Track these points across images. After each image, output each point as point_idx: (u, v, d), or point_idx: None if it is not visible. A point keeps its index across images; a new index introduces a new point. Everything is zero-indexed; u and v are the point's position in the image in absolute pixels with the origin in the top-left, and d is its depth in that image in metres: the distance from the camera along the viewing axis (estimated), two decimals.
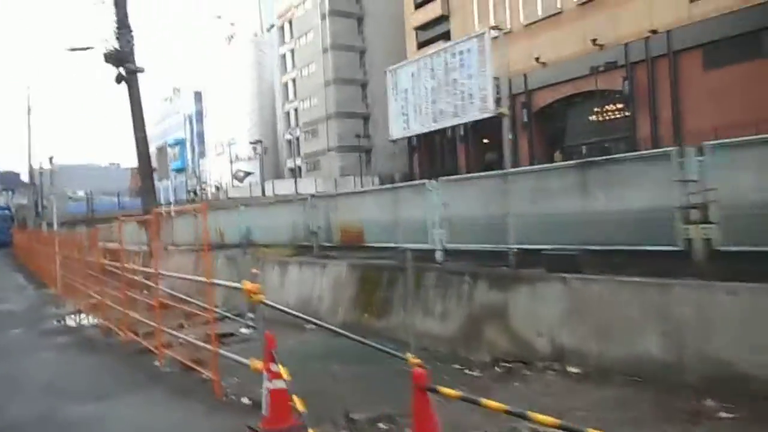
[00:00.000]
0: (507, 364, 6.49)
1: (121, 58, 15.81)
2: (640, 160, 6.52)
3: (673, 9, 27.29)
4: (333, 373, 7.16)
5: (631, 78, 29.76)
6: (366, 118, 60.11)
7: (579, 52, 31.50)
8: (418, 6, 45.88)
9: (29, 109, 39.24)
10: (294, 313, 7.55)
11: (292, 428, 5.20)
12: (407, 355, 7.13)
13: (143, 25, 35.54)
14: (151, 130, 28.30)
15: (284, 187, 52.04)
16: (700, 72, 27.02)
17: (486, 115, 7.64)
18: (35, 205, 43.27)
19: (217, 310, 7.09)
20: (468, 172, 27.27)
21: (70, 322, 13.07)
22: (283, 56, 70.95)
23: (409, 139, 45.88)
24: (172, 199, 24.18)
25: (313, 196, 11.91)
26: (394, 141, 9.79)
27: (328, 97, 59.84)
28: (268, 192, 49.94)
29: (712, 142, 5.62)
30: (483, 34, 7.30)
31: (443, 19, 43.25)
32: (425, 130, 8.71)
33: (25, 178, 55.21)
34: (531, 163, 30.93)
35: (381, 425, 5.18)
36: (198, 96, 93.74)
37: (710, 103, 25.64)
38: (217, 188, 71.88)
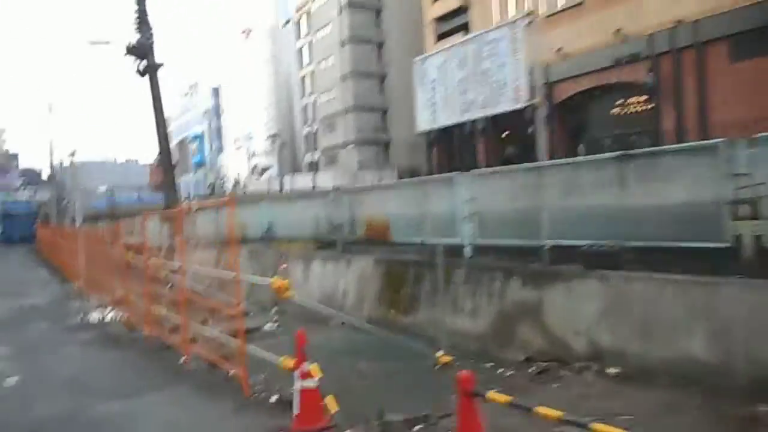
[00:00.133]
0: (542, 364, 6.29)
1: (142, 52, 15.78)
2: (684, 153, 6.25)
3: None
4: (361, 370, 7.01)
5: (656, 70, 29.14)
6: (384, 112, 59.81)
7: (601, 44, 30.85)
8: None
9: (50, 107, 39.53)
10: (326, 309, 7.45)
11: (325, 429, 5.06)
12: (437, 352, 7.02)
13: (160, 21, 35.63)
14: (170, 126, 28.36)
15: (302, 181, 51.99)
16: (727, 64, 26.36)
17: (519, 106, 7.42)
18: (57, 201, 43.73)
19: (237, 305, 6.96)
20: (487, 167, 26.92)
21: (94, 317, 13.08)
22: (300, 50, 70.79)
23: (428, 133, 45.50)
24: (193, 193, 24.15)
25: (336, 190, 11.74)
26: (421, 134, 9.55)
27: (346, 91, 59.59)
28: (286, 186, 49.96)
29: (765, 134, 5.34)
30: (516, 21, 7.03)
31: (462, 10, 42.63)
32: (454, 121, 8.48)
33: (46, 175, 55.83)
34: (551, 157, 30.49)
35: (418, 428, 5.00)
36: (215, 91, 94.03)
37: (737, 96, 24.98)
38: (236, 183, 72.17)
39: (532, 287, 6.75)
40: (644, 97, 30.54)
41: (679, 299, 5.46)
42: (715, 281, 5.31)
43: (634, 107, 31.29)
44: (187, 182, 30.84)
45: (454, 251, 8.16)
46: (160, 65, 15.82)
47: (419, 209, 9.08)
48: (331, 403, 4.51)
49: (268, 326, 10.05)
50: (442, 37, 43.64)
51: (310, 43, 67.42)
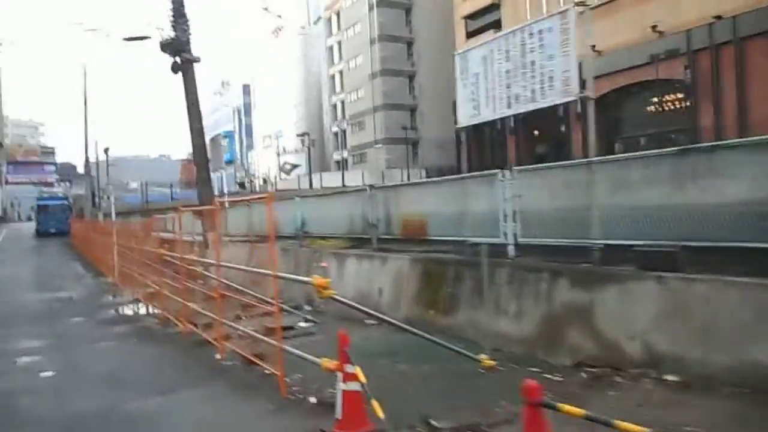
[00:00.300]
0: (592, 370, 5.98)
1: (178, 48, 15.78)
2: (751, 147, 5.86)
3: None
4: (401, 372, 6.79)
5: (693, 66, 28.34)
6: (413, 110, 59.55)
7: (637, 40, 30.18)
8: None
9: (85, 101, 40.18)
10: (365, 309, 7.24)
11: None
12: (480, 355, 6.75)
13: (191, 21, 35.88)
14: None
15: (331, 179, 52.00)
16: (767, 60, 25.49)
17: (569, 99, 7.09)
18: (92, 196, 44.50)
19: (275, 302, 6.80)
20: (519, 165, 26.48)
21: (128, 311, 13.13)
22: (331, 48, 70.94)
23: (457, 131, 45.15)
24: (225, 190, 24.30)
25: (372, 187, 11.54)
26: (462, 129, 9.28)
27: (375, 89, 59.48)
28: (315, 184, 50.04)
29: None
30: (567, 10, 6.73)
31: (494, 7, 42.23)
32: (498, 116, 8.18)
33: (81, 169, 56.90)
34: (585, 156, 29.87)
35: None
36: (246, 89, 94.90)
37: None
38: (264, 181, 72.68)
39: (581, 289, 6.43)
40: (681, 95, 29.77)
41: (747, 303, 5.11)
42: None
43: (670, 105, 30.50)
44: (220, 178, 31.03)
45: (496, 250, 7.87)
46: (197, 59, 15.80)
47: (459, 207, 8.81)
48: (377, 409, 4.28)
49: (302, 324, 9.90)
50: (472, 34, 43.23)
51: (340, 42, 67.48)
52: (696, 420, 4.59)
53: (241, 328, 8.13)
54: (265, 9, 79.60)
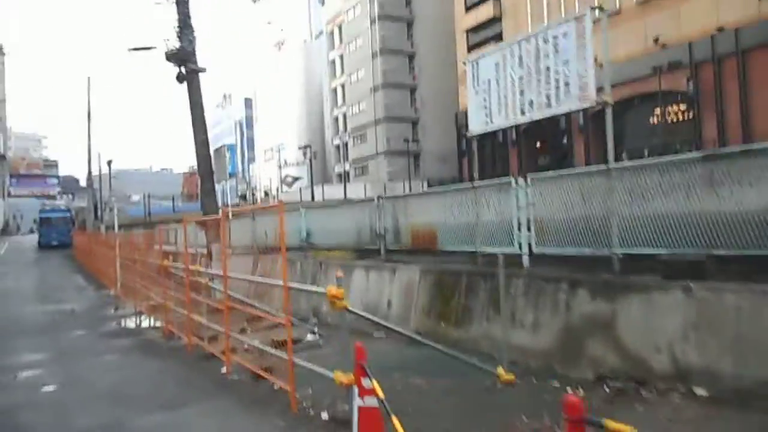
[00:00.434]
0: (616, 384, 5.74)
1: (183, 58, 15.70)
2: None
3: (742, 6, 25.92)
4: (417, 386, 6.54)
5: (696, 78, 28.35)
6: (414, 123, 59.55)
7: (639, 52, 30.22)
8: (468, 8, 45.11)
9: (89, 113, 40.03)
10: (381, 321, 7.03)
11: None
12: (498, 369, 6.52)
13: (196, 31, 35.94)
14: None
15: (333, 191, 51.86)
16: None
17: (586, 105, 6.91)
18: (94, 208, 44.32)
19: (286, 314, 6.59)
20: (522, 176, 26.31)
21: (131, 323, 12.91)
22: (333, 62, 71.14)
23: (459, 143, 45.11)
24: (228, 201, 24.13)
25: (380, 197, 11.34)
26: (473, 137, 9.08)
27: (377, 102, 59.52)
28: (317, 197, 49.88)
29: None
30: (583, 15, 6.59)
31: (495, 20, 42.34)
32: (511, 123, 8.00)
33: (83, 182, 56.84)
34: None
35: None
36: (248, 102, 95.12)
37: None
38: (266, 194, 72.55)
39: (602, 299, 6.21)
40: (683, 107, 29.74)
41: None
42: None
43: (673, 116, 30.45)
44: (224, 190, 30.88)
45: (510, 260, 7.66)
46: (202, 70, 15.71)
47: (471, 217, 8.60)
48: (398, 426, 4.04)
49: (309, 337, 9.67)
50: (474, 47, 43.30)
51: (342, 55, 67.66)
52: None
53: (248, 341, 7.91)
54: (269, 23, 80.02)
